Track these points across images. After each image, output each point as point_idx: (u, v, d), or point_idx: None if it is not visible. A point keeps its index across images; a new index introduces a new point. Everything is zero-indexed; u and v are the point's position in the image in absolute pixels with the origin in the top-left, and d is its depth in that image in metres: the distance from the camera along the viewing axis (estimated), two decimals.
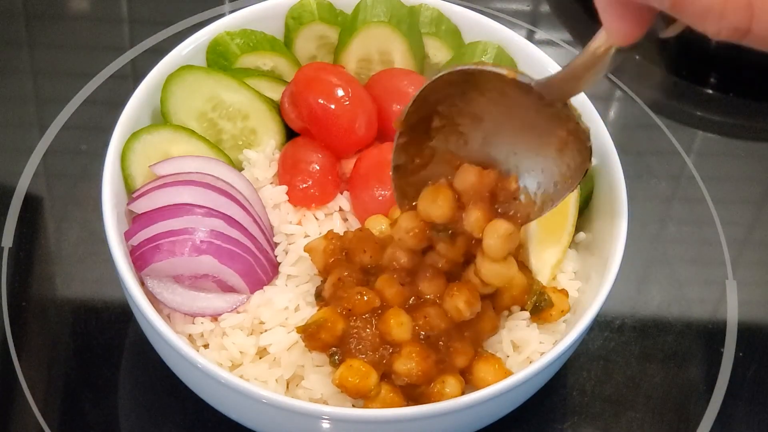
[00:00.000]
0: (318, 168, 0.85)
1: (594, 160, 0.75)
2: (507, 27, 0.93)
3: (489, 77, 0.67)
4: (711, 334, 0.95)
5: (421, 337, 0.73)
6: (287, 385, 0.77)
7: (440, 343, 0.73)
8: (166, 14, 1.17)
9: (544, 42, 1.20)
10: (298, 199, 0.84)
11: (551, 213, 0.73)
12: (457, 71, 0.68)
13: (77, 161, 1.03)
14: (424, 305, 0.74)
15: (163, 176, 0.81)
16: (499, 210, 0.72)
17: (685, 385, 0.91)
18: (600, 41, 0.58)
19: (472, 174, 0.71)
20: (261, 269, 0.80)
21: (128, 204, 0.80)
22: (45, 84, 1.12)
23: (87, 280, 0.94)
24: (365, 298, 0.73)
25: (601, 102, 1.12)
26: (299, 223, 0.84)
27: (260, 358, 0.78)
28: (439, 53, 0.94)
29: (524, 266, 0.80)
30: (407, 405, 0.72)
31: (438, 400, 0.71)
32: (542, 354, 0.76)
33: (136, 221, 0.79)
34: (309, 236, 0.83)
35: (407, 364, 0.71)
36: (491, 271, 0.71)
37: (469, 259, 0.74)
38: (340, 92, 0.85)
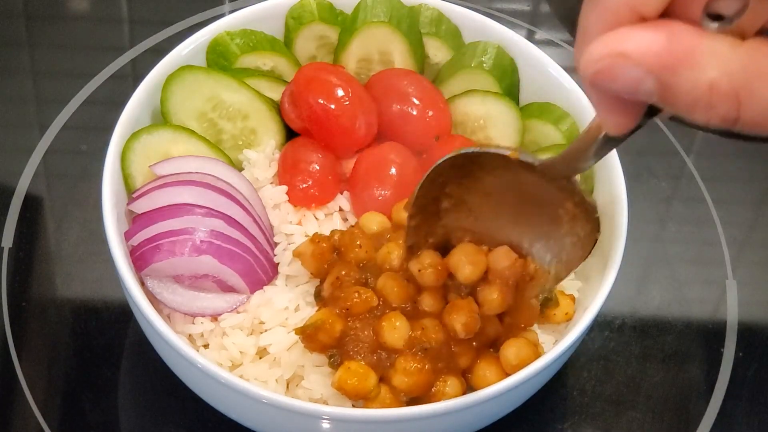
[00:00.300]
0: (318, 168, 0.85)
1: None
2: (507, 27, 0.93)
3: (493, 157, 0.67)
4: (711, 334, 0.95)
5: (417, 350, 0.72)
6: (287, 385, 0.77)
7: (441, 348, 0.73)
8: (166, 14, 1.17)
9: (544, 42, 1.20)
10: (298, 199, 0.84)
11: None
12: (461, 155, 0.68)
13: (77, 161, 1.03)
14: (423, 315, 0.74)
15: (163, 176, 0.81)
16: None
17: (686, 385, 0.91)
18: (597, 123, 0.58)
19: (507, 260, 0.71)
20: (261, 269, 0.80)
21: (128, 204, 0.80)
22: (45, 84, 1.12)
23: (87, 280, 0.94)
24: (363, 296, 0.73)
25: None
26: (299, 223, 0.84)
27: (260, 358, 0.78)
28: (439, 53, 0.94)
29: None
30: (407, 405, 0.72)
31: (438, 400, 0.71)
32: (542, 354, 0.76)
33: (136, 221, 0.79)
34: (309, 236, 0.82)
35: (403, 379, 0.71)
36: (494, 304, 0.72)
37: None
38: (340, 92, 0.85)
